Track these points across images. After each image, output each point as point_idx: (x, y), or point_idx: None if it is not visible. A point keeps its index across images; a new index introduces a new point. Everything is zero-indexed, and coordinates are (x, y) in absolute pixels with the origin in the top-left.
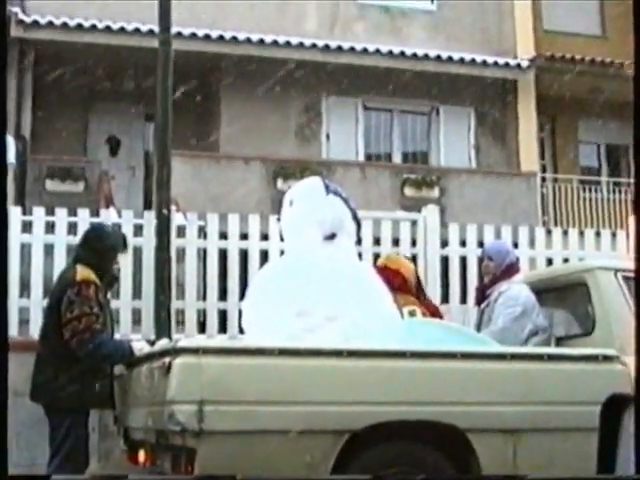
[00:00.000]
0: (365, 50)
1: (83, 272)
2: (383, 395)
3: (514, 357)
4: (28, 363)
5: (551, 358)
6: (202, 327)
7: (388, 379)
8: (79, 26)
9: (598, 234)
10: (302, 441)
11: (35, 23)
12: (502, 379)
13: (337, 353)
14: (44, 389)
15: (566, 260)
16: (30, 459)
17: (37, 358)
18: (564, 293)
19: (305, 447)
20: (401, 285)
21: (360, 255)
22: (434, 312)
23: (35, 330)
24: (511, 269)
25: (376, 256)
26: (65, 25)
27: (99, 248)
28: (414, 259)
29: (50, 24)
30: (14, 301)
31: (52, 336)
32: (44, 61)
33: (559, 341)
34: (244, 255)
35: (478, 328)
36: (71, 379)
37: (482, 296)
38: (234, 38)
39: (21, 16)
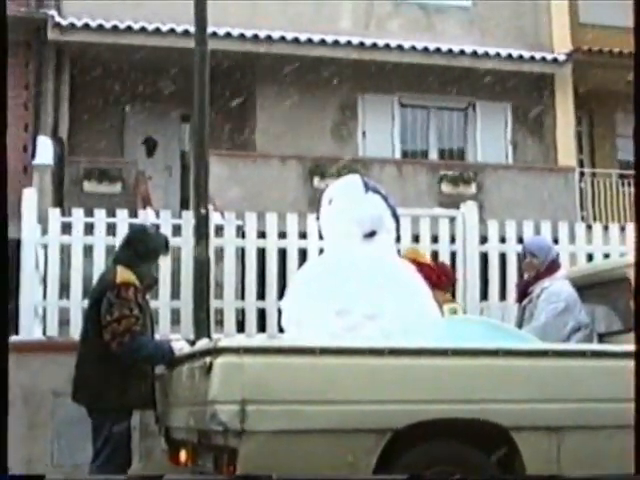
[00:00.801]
0: (400, 47)
1: (123, 274)
2: (425, 393)
3: (556, 354)
4: (68, 364)
5: (594, 355)
6: (241, 326)
7: (429, 377)
8: (115, 28)
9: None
10: (344, 440)
11: (71, 26)
12: (545, 376)
13: (378, 351)
14: (86, 390)
15: (607, 255)
16: (71, 459)
17: (78, 359)
18: (606, 289)
19: (347, 446)
20: (429, 278)
21: (399, 252)
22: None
23: (75, 331)
24: (553, 265)
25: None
26: (101, 27)
27: (141, 250)
28: (453, 256)
29: (86, 26)
30: (54, 302)
31: (93, 337)
32: (80, 63)
33: (601, 337)
34: (282, 254)
35: (520, 325)
36: (113, 380)
37: (524, 293)
38: (269, 37)
39: (57, 19)
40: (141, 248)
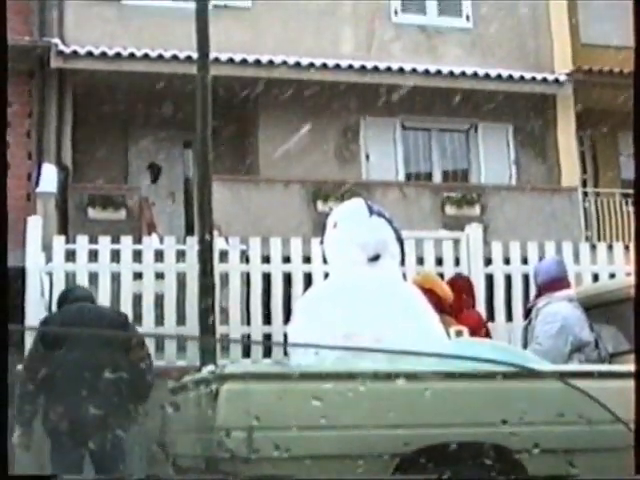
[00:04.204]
0: (401, 70)
1: None
2: (433, 417)
3: (563, 375)
4: None
5: (601, 375)
6: (247, 352)
7: (437, 401)
8: (117, 55)
9: None
10: (352, 465)
11: (74, 53)
12: (552, 397)
13: (385, 375)
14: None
15: (612, 275)
16: None
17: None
18: (612, 309)
19: (355, 471)
20: (436, 304)
21: (404, 275)
22: (477, 323)
23: None
24: (549, 286)
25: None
26: (104, 54)
27: None
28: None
29: (89, 54)
30: None
31: (113, 358)
32: (83, 90)
33: (612, 357)
34: (287, 278)
35: (524, 346)
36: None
37: (526, 314)
38: (270, 62)
39: (60, 47)
40: None
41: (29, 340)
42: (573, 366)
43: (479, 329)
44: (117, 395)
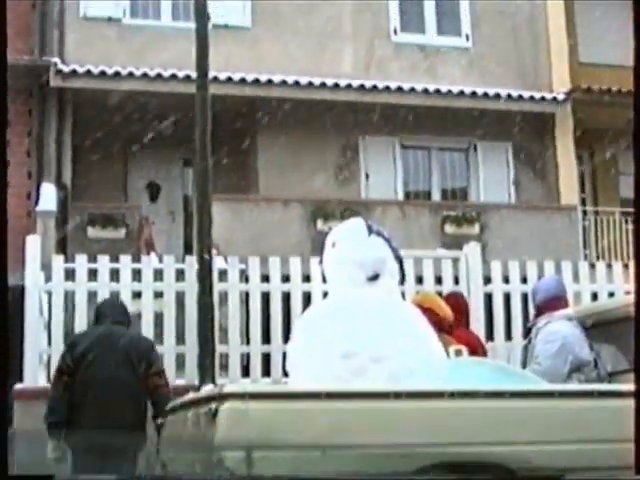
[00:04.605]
0: (400, 89)
1: None
2: (432, 437)
3: (562, 395)
4: None
5: (600, 395)
6: (246, 371)
7: (437, 420)
8: (117, 74)
9: None
10: None
11: (73, 72)
12: (551, 417)
13: (384, 395)
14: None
15: (611, 294)
16: None
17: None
18: (611, 328)
19: None
20: (435, 323)
21: (403, 295)
22: (471, 342)
23: None
24: (548, 305)
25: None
26: (103, 73)
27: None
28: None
29: (88, 73)
30: (59, 349)
31: (133, 383)
32: (83, 109)
33: (609, 377)
34: (286, 297)
35: (524, 365)
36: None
37: (527, 333)
38: (269, 81)
39: (60, 66)
40: (129, 317)
41: (29, 360)
42: (572, 386)
43: (473, 347)
44: (130, 414)
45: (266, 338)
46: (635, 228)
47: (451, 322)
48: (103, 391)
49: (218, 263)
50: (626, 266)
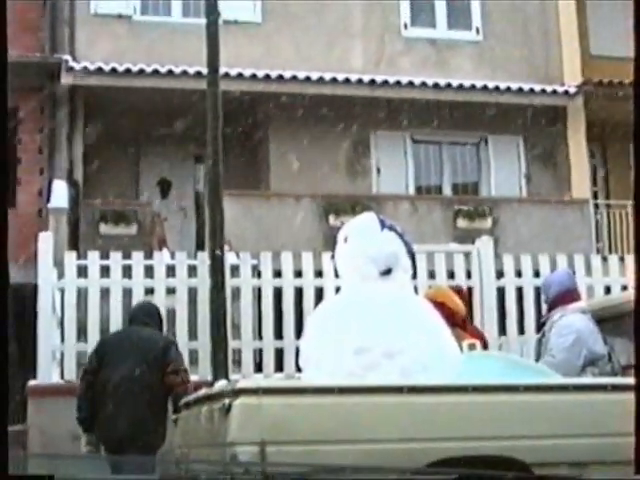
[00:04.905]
0: (411, 83)
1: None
2: (445, 431)
3: (577, 388)
4: None
5: (615, 388)
6: (259, 366)
7: (450, 414)
8: (127, 71)
9: None
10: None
11: (85, 70)
12: (566, 411)
13: (397, 389)
14: (140, 427)
15: (624, 287)
16: None
17: (125, 399)
18: (625, 321)
19: None
20: (448, 317)
21: (416, 289)
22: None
23: None
24: (562, 298)
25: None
26: (114, 70)
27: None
28: (469, 291)
29: (99, 70)
30: (72, 345)
31: (151, 381)
32: (94, 106)
33: (624, 370)
34: (298, 293)
35: (538, 359)
36: (162, 420)
37: (541, 327)
38: (280, 77)
39: (71, 63)
40: (160, 320)
41: (42, 357)
42: (587, 379)
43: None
44: (144, 412)
45: (279, 333)
46: (635, 222)
47: (464, 316)
48: (118, 389)
49: (230, 259)
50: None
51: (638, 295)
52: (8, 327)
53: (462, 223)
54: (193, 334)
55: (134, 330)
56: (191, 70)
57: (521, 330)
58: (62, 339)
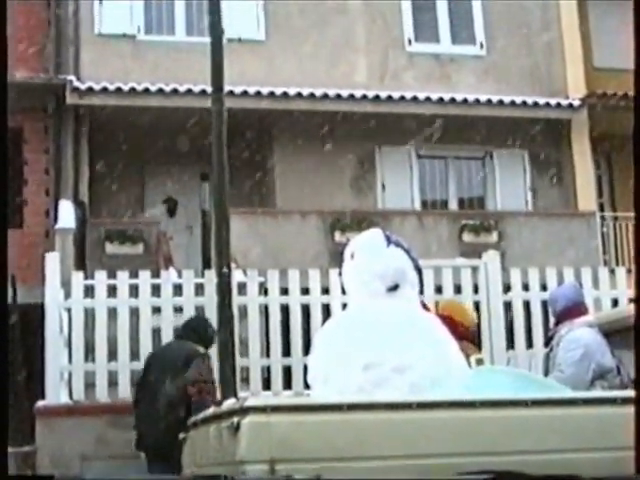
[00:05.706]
0: (415, 98)
1: (201, 348)
2: (456, 446)
3: (586, 402)
4: (95, 428)
5: (624, 402)
6: (267, 384)
7: (459, 430)
8: (132, 90)
9: None
10: None
11: (89, 90)
12: (575, 425)
13: (407, 405)
14: (163, 440)
15: (632, 300)
16: None
17: (151, 412)
18: (632, 334)
19: None
20: (455, 331)
21: (424, 304)
22: None
23: (102, 394)
24: (569, 312)
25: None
26: (119, 90)
27: (204, 336)
28: (477, 306)
29: (104, 90)
30: (80, 366)
31: (172, 393)
32: (99, 126)
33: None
34: (306, 310)
35: (546, 373)
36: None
37: (549, 341)
38: (285, 94)
39: (76, 83)
40: (204, 334)
41: (50, 377)
42: (596, 393)
43: None
44: (165, 421)
45: (286, 351)
46: (635, 232)
47: (474, 329)
48: (146, 400)
49: (237, 276)
50: None
51: (638, 309)
52: (9, 341)
53: (468, 237)
54: None
55: (171, 343)
56: (196, 88)
57: (529, 344)
58: (70, 359)
